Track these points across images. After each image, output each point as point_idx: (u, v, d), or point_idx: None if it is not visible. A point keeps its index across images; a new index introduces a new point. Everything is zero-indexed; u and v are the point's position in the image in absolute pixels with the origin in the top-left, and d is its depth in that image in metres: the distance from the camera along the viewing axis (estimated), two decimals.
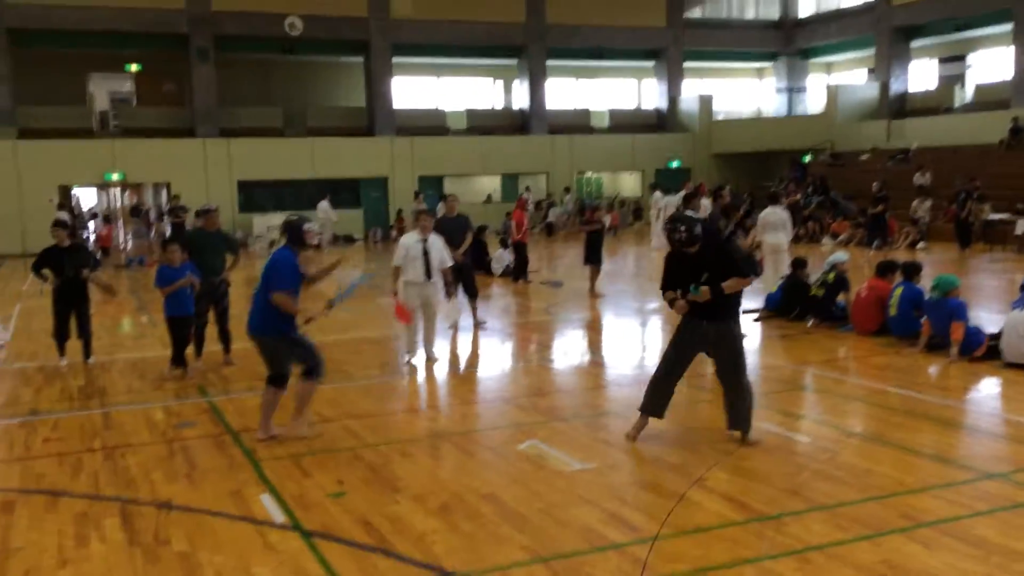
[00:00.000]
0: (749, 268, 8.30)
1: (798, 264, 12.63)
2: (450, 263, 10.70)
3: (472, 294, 12.67)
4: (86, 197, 34.08)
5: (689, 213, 6.94)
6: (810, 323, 11.78)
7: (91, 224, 32.00)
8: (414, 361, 10.37)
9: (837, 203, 27.86)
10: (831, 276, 11.85)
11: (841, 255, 12.37)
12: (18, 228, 27.18)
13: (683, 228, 6.62)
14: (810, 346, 10.77)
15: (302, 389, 7.25)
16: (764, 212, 14.38)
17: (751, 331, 11.61)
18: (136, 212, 34.31)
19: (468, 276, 12.59)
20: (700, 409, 8.10)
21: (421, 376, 9.99)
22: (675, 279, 6.81)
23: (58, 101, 30.97)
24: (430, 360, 10.39)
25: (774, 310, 12.54)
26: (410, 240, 10.34)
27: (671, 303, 6.85)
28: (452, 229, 11.75)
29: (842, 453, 6.61)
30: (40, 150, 28.64)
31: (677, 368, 6.99)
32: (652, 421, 7.08)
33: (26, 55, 29.94)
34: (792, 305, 12.26)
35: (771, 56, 41.17)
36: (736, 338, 6.87)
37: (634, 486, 5.98)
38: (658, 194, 26.06)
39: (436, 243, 10.38)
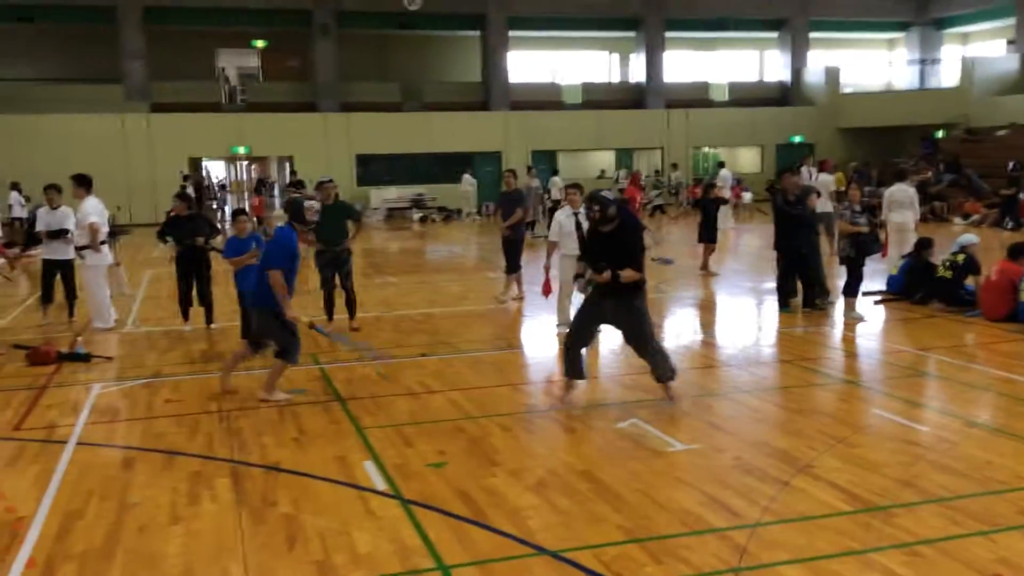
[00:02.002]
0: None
1: (923, 244, 12.05)
2: None
3: (510, 269, 12.74)
4: (214, 169, 35.43)
5: (605, 194, 7.22)
6: (936, 307, 11.25)
7: (228, 196, 33.20)
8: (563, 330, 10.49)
9: (971, 181, 26.46)
10: (960, 258, 11.27)
11: (971, 236, 11.74)
12: (151, 198, 28.49)
13: (597, 208, 6.98)
14: (934, 331, 10.27)
15: (275, 365, 7.71)
16: (890, 189, 13.84)
17: (872, 314, 11.16)
18: (261, 185, 35.54)
19: (511, 250, 12.64)
20: (811, 393, 7.84)
21: (525, 351, 10.01)
22: (590, 253, 7.22)
23: (188, 76, 32.23)
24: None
25: (897, 292, 12.02)
26: (562, 215, 10.41)
27: (576, 276, 7.45)
28: (503, 203, 12.80)
29: (962, 444, 6.28)
30: (171, 123, 29.94)
31: (580, 338, 7.34)
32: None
33: (159, 32, 31.28)
34: (916, 287, 11.72)
35: (903, 26, 39.32)
36: (636, 311, 7.12)
37: (737, 470, 5.82)
38: (724, 172, 25.90)
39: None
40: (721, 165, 29.59)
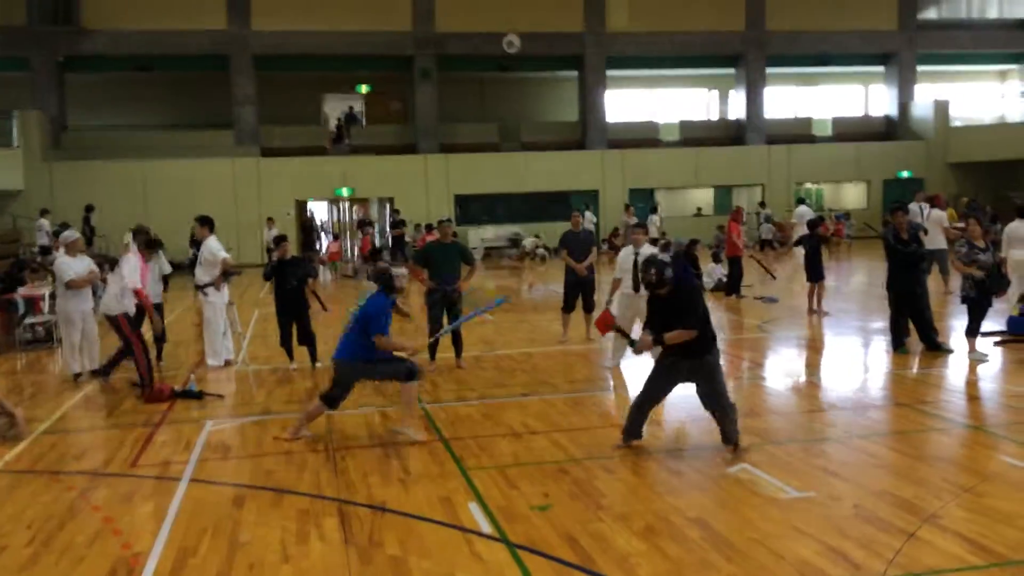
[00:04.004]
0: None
1: None
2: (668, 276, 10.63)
3: (587, 308, 12.55)
4: (318, 211, 36.39)
5: (662, 257, 7.09)
6: None
7: (324, 237, 34.18)
8: (619, 366, 10.77)
9: None
10: None
11: None
12: (259, 239, 29.40)
13: (653, 271, 6.87)
14: None
15: (405, 392, 7.77)
16: (1011, 226, 13.26)
17: (992, 356, 10.63)
18: (363, 225, 36.36)
19: (588, 291, 12.52)
20: (932, 439, 7.47)
21: (627, 391, 9.85)
22: (650, 316, 7.16)
23: (295, 121, 33.35)
24: None
25: (1018, 333, 11.44)
26: (624, 253, 10.76)
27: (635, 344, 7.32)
28: (576, 244, 12.49)
29: None
30: (279, 167, 30.96)
31: (652, 398, 7.23)
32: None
33: (269, 79, 32.49)
34: None
35: (1016, 58, 37.96)
36: (711, 367, 6.99)
37: (857, 520, 5.56)
38: (801, 208, 25.17)
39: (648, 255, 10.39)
40: (800, 201, 28.93)
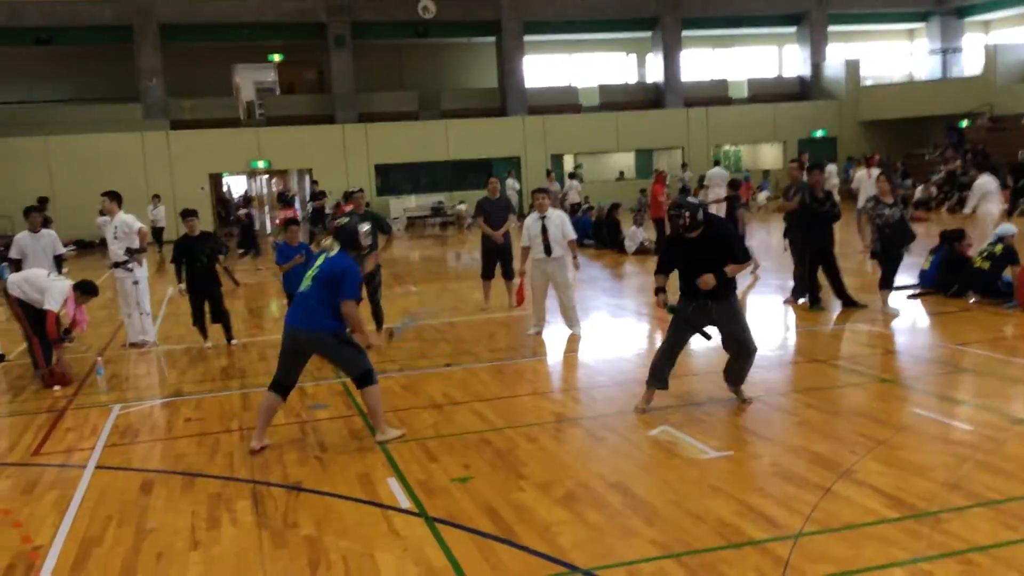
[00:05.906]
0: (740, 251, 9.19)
1: (954, 237, 11.75)
2: (573, 236, 10.56)
3: (507, 276, 12.57)
4: (236, 184, 35.47)
5: (691, 200, 7.15)
6: (972, 300, 10.96)
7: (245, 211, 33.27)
8: (541, 333, 10.67)
9: (998, 171, 26.01)
10: (998, 248, 10.96)
11: (1009, 226, 11.42)
12: (172, 216, 28.49)
13: (687, 214, 6.88)
14: (971, 324, 9.97)
15: (368, 399, 6.69)
16: (980, 180, 13.62)
17: (906, 309, 10.87)
18: (283, 198, 35.56)
19: (506, 257, 12.53)
20: (848, 394, 7.58)
21: (551, 358, 9.80)
22: (673, 263, 7.18)
23: (206, 93, 32.33)
24: (575, 336, 10.47)
25: (930, 286, 11.72)
26: (530, 220, 10.59)
27: (657, 291, 7.22)
28: (493, 211, 12.45)
29: (1008, 442, 6.01)
30: (191, 140, 29.99)
31: (679, 342, 7.26)
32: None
33: (176, 49, 31.38)
34: (950, 281, 11.42)
35: (923, 16, 38.78)
36: (736, 308, 7.10)
37: (774, 477, 5.59)
38: (714, 170, 25.21)
39: (555, 219, 10.39)
40: (716, 163, 29.27)
